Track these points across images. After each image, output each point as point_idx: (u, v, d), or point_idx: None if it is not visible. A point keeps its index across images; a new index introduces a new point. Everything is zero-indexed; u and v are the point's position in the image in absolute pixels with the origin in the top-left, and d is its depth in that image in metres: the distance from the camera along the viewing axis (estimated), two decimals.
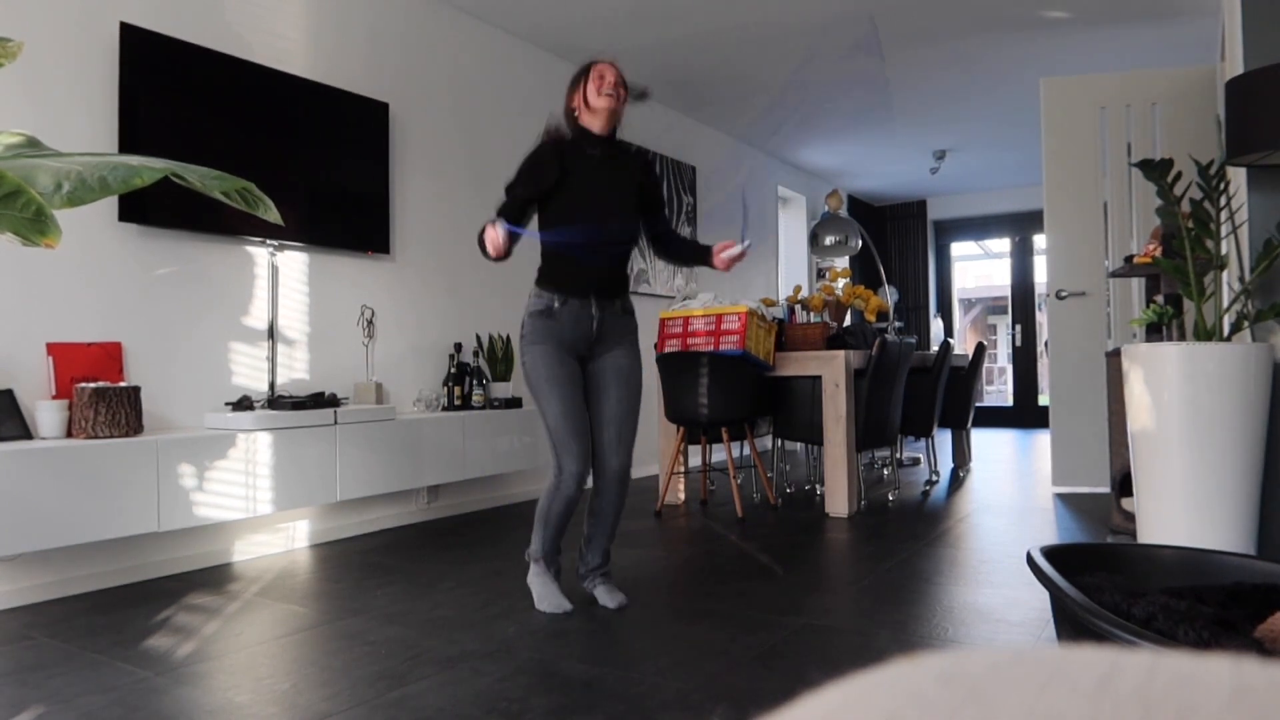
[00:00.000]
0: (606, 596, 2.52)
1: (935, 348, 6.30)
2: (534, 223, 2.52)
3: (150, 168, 0.86)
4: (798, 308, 4.83)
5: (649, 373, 5.56)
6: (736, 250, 2.53)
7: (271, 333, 3.41)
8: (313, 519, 3.53)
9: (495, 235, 2.29)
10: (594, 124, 2.49)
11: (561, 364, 2.46)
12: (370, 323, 3.82)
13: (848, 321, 4.79)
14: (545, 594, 2.49)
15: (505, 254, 2.34)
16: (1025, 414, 9.09)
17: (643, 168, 2.62)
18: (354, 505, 3.69)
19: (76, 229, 2.88)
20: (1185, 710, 0.19)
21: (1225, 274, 3.09)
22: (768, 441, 6.38)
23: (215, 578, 2.96)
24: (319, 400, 3.30)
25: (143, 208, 2.97)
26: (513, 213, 2.42)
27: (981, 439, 7.74)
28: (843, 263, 8.22)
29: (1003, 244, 9.51)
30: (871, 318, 4.73)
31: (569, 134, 2.52)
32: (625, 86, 2.50)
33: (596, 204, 2.46)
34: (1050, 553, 1.56)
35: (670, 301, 5.88)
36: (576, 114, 2.51)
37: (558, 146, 2.49)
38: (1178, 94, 4.35)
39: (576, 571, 2.64)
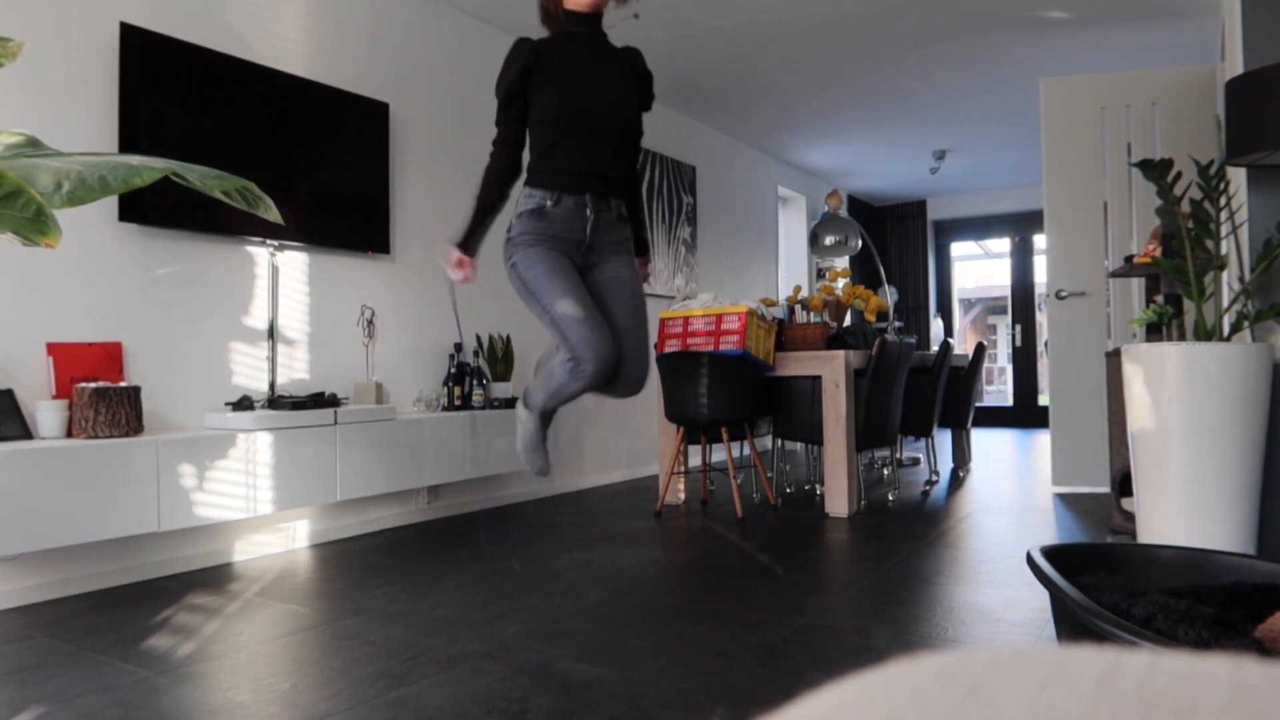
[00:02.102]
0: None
1: (935, 348, 6.30)
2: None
3: (150, 167, 0.86)
4: (798, 308, 4.83)
5: (650, 373, 5.57)
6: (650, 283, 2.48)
7: (271, 333, 3.41)
8: (313, 519, 3.53)
9: (454, 262, 2.24)
10: (577, 5, 2.33)
11: (560, 259, 2.28)
12: (370, 323, 3.82)
13: (848, 321, 4.79)
14: (534, 445, 2.37)
15: (471, 265, 2.30)
16: (1025, 414, 9.09)
17: (635, 63, 2.46)
18: (354, 505, 3.69)
19: (76, 229, 2.88)
20: (1185, 710, 0.19)
21: (1225, 274, 3.10)
22: (768, 441, 6.38)
23: (215, 578, 2.96)
24: (319, 400, 3.30)
25: (143, 208, 2.97)
26: (514, 136, 2.32)
27: (981, 439, 7.74)
28: (843, 263, 8.22)
29: (1003, 244, 9.51)
30: (871, 318, 4.73)
31: (548, 30, 2.38)
32: None
33: (586, 85, 2.31)
34: (1050, 553, 1.56)
35: (670, 301, 5.88)
36: (559, 3, 2.36)
37: (534, 43, 2.34)
38: (1178, 94, 4.35)
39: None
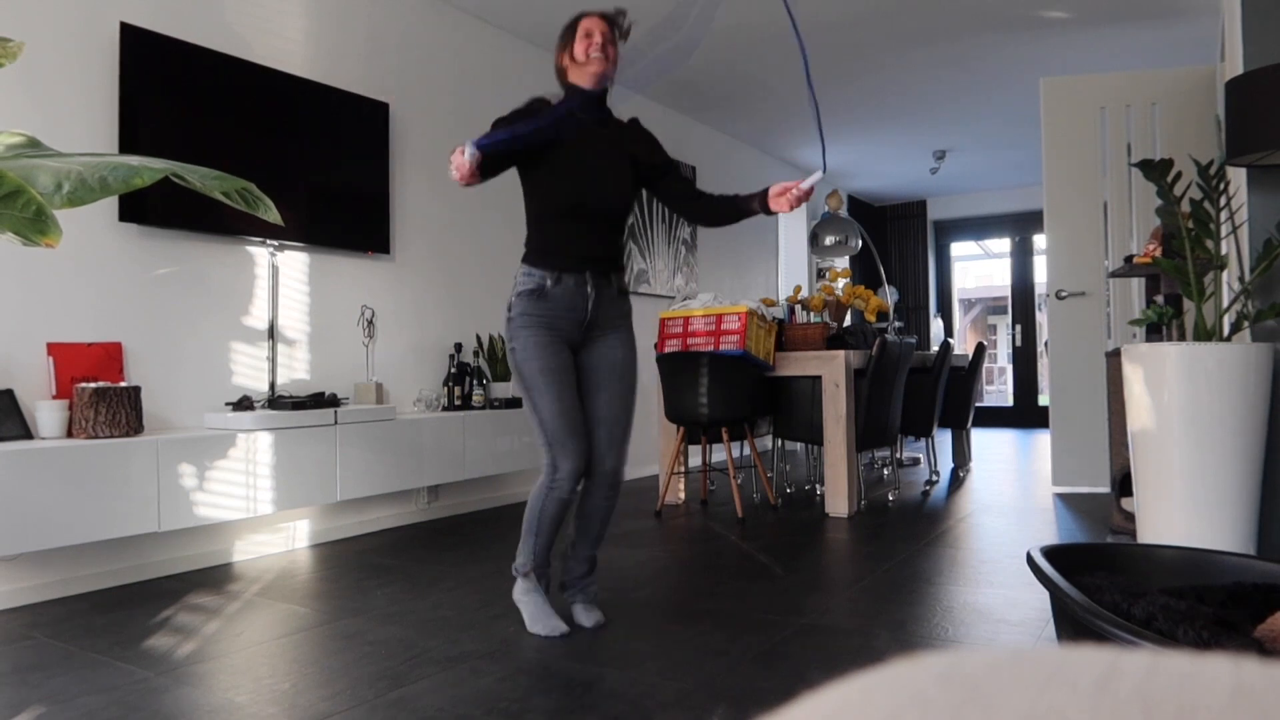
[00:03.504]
0: (584, 614, 2.35)
1: (935, 348, 6.30)
2: (503, 165, 2.27)
3: (150, 168, 0.86)
4: (798, 308, 4.83)
5: (649, 373, 5.57)
6: (807, 184, 2.24)
7: (271, 333, 3.41)
8: (313, 519, 3.53)
9: (461, 160, 2.03)
10: (582, 81, 2.32)
11: (556, 354, 2.28)
12: (370, 323, 3.82)
13: (848, 321, 4.80)
14: (538, 614, 2.29)
15: (476, 179, 2.12)
16: (1025, 414, 9.09)
17: (635, 136, 2.44)
18: (354, 505, 3.69)
19: (77, 229, 2.88)
20: (1185, 710, 0.19)
21: (1225, 274, 3.10)
22: (768, 441, 6.38)
23: (215, 578, 2.96)
24: (319, 400, 3.30)
25: (143, 208, 2.97)
26: (496, 146, 2.17)
27: (981, 439, 7.74)
28: (843, 263, 8.22)
29: (1003, 244, 9.51)
30: (871, 318, 4.73)
31: (562, 95, 2.36)
32: (615, 45, 2.32)
33: (587, 169, 2.30)
34: (1050, 553, 1.56)
35: (670, 301, 5.88)
36: (565, 72, 2.36)
37: (549, 105, 2.33)
38: (1178, 94, 4.35)
39: (558, 583, 2.45)
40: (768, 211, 2.35)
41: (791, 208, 2.28)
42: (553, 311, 2.28)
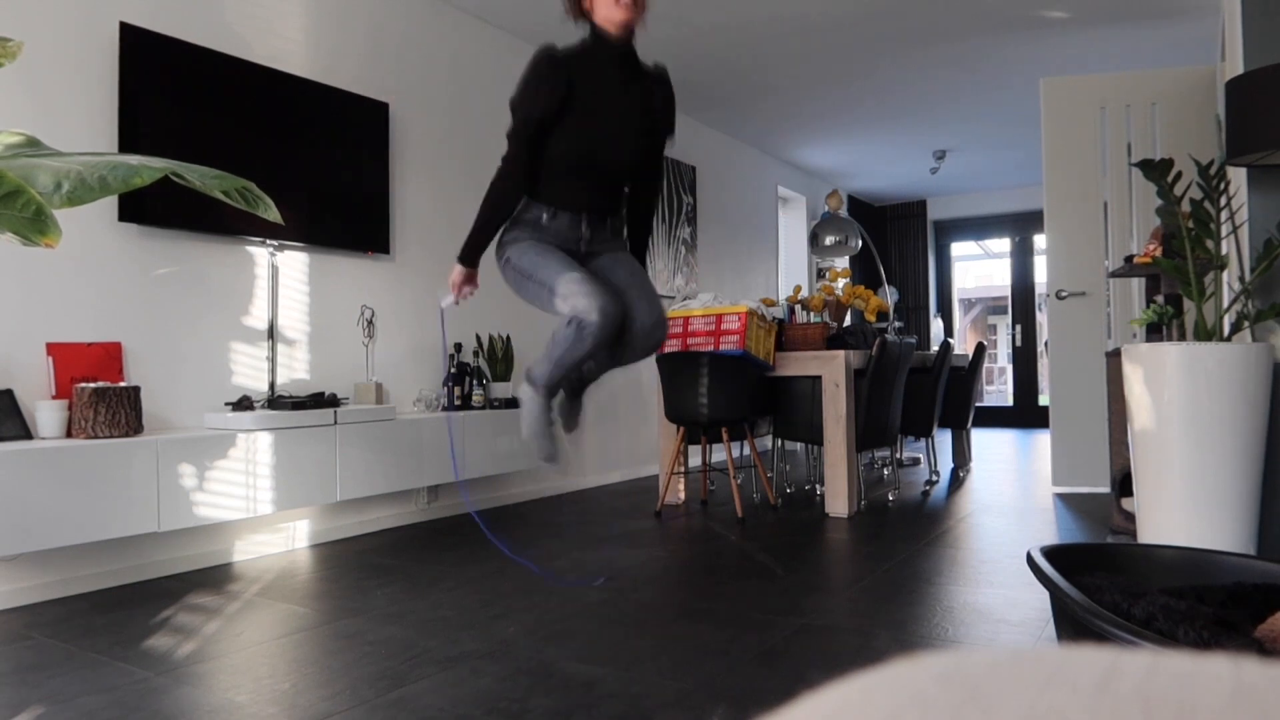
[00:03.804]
0: (573, 411, 2.38)
1: (935, 348, 6.30)
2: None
3: (150, 167, 0.86)
4: (798, 308, 4.83)
5: (649, 373, 5.57)
6: None
7: (271, 333, 3.41)
8: (313, 519, 3.53)
9: (455, 293, 2.24)
10: (610, 26, 2.21)
11: (552, 247, 2.27)
12: (370, 323, 3.82)
13: (848, 321, 4.80)
14: (540, 428, 2.26)
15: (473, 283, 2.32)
16: (1025, 414, 9.09)
17: (660, 95, 2.38)
18: (354, 505, 3.69)
19: (76, 229, 2.88)
20: (1185, 710, 0.19)
21: (1225, 274, 3.10)
22: (768, 441, 6.38)
23: (215, 578, 2.96)
24: (319, 400, 3.30)
25: (142, 208, 2.97)
26: (528, 159, 2.24)
27: (981, 439, 7.74)
28: (843, 263, 8.22)
29: (1003, 244, 9.51)
30: (871, 318, 4.73)
31: (577, 43, 2.27)
32: None
33: (606, 132, 2.26)
34: (1050, 553, 1.56)
35: (670, 301, 5.88)
36: (589, 10, 2.24)
37: (564, 62, 2.24)
38: (1178, 94, 4.35)
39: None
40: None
41: None
42: (546, 237, 2.31)
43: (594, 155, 2.28)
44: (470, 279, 2.48)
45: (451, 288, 2.49)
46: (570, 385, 2.45)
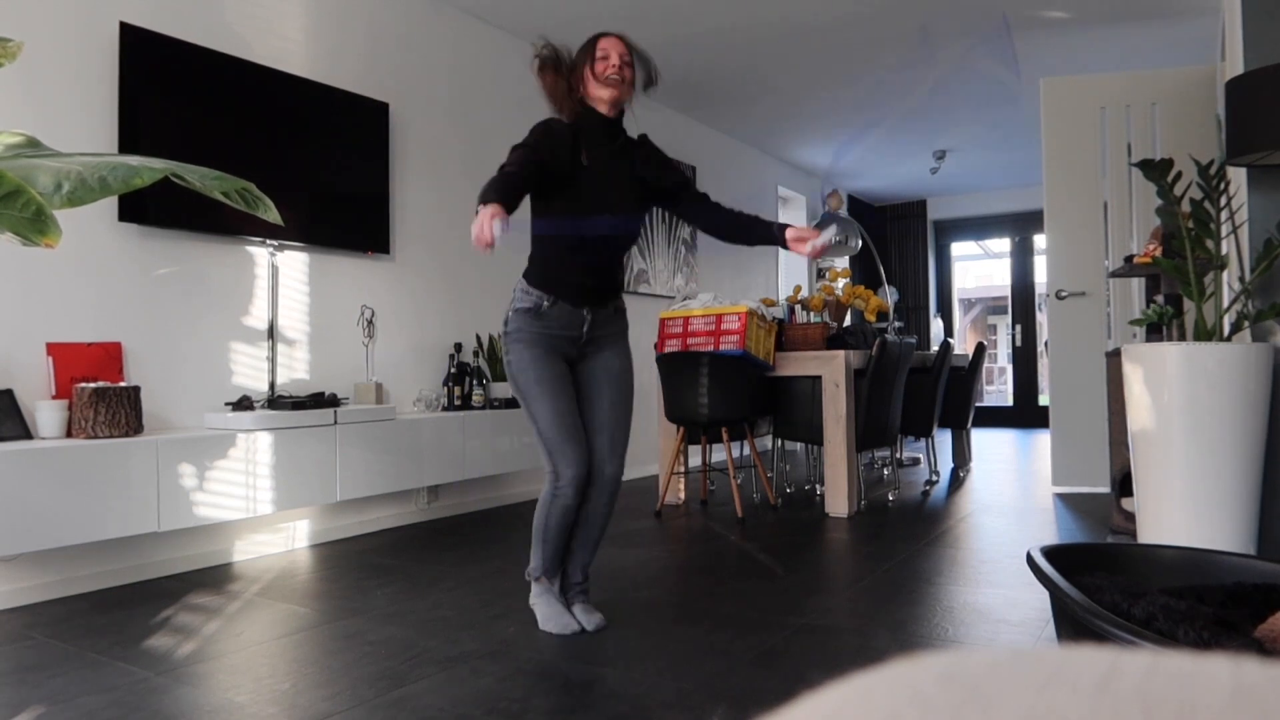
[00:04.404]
0: (584, 616, 2.34)
1: (935, 348, 6.30)
2: (527, 222, 2.31)
3: (150, 168, 0.86)
4: (798, 308, 4.83)
5: (650, 373, 5.57)
6: (823, 240, 2.27)
7: (271, 333, 3.41)
8: (313, 519, 3.53)
9: (485, 229, 1.93)
10: (600, 104, 2.28)
11: (551, 365, 2.29)
12: (370, 323, 3.82)
13: (848, 321, 4.79)
14: (551, 614, 2.32)
15: (491, 246, 2.04)
16: (1025, 414, 9.09)
17: (646, 158, 2.40)
18: (354, 505, 3.69)
19: (76, 229, 2.88)
20: (1185, 710, 0.19)
21: (1225, 274, 3.09)
22: (768, 441, 6.38)
23: (215, 578, 2.96)
24: (319, 400, 3.30)
25: (142, 208, 2.97)
26: (518, 179, 2.11)
27: (981, 439, 7.74)
28: (843, 263, 8.22)
29: (1003, 244, 9.51)
30: (871, 318, 4.73)
31: (578, 116, 2.30)
32: (633, 66, 2.28)
33: (600, 200, 2.28)
34: (1050, 553, 1.56)
35: (670, 301, 5.88)
36: (582, 92, 2.30)
37: (573, 127, 2.27)
38: (1178, 94, 4.35)
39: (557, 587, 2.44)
40: (785, 245, 2.36)
41: (810, 255, 2.31)
42: (549, 329, 2.29)
43: (588, 232, 2.26)
44: (498, 214, 2.02)
45: (484, 224, 1.98)
46: (571, 589, 2.43)
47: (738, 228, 2.44)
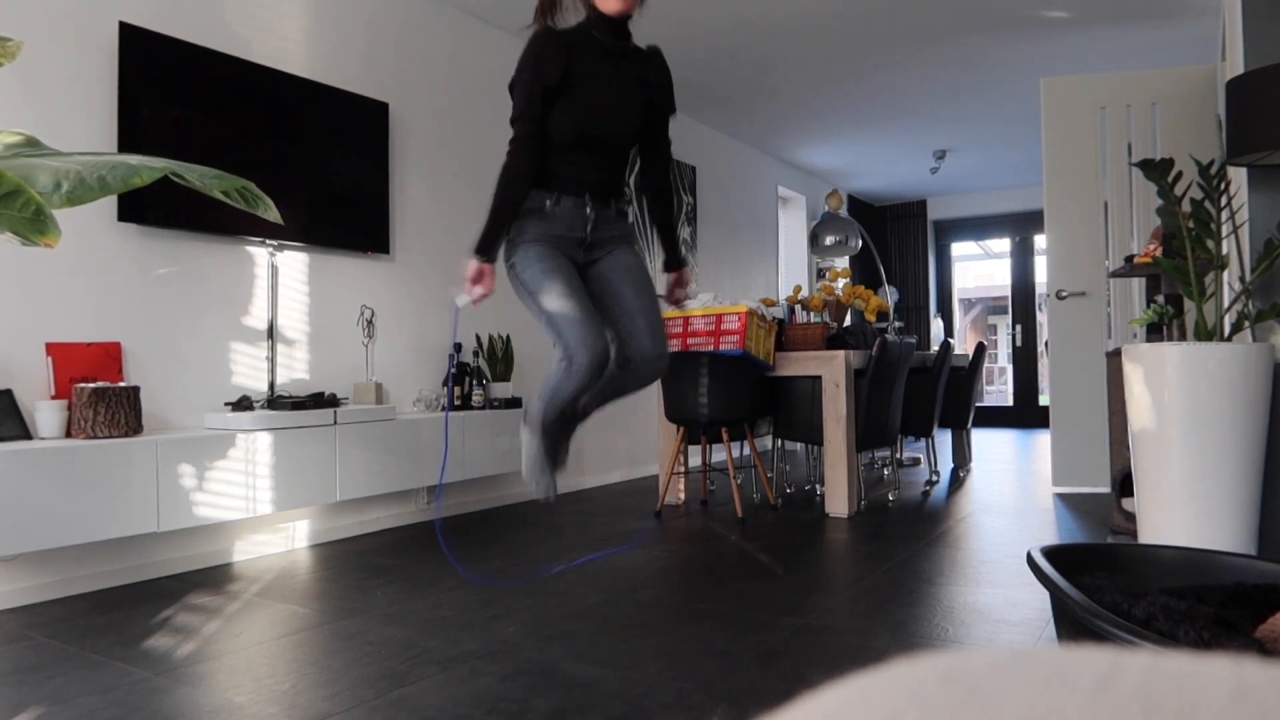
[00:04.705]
0: (553, 450, 2.34)
1: (935, 348, 6.30)
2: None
3: (150, 167, 0.86)
4: (798, 308, 4.83)
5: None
6: (685, 298, 2.54)
7: (271, 333, 3.41)
8: (313, 519, 3.53)
9: (471, 292, 2.21)
10: (605, 5, 2.25)
11: (556, 259, 2.26)
12: (370, 323, 3.82)
13: (848, 321, 4.79)
14: (538, 467, 2.29)
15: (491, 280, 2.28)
16: (1025, 414, 9.09)
17: (656, 70, 2.40)
18: (354, 505, 3.69)
19: (76, 229, 2.88)
20: (1185, 710, 0.19)
21: (1226, 274, 3.09)
22: (768, 441, 6.38)
23: (215, 578, 2.96)
24: (319, 400, 3.30)
25: (142, 207, 2.97)
26: (537, 135, 2.24)
27: (981, 439, 7.74)
28: (843, 263, 8.22)
29: (1003, 244, 9.51)
30: (871, 318, 4.73)
31: (572, 25, 2.29)
32: None
33: (601, 105, 2.28)
34: (1050, 553, 1.55)
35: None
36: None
37: (562, 38, 2.26)
38: (1178, 94, 4.35)
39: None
40: (666, 269, 2.56)
41: (666, 297, 2.49)
42: (552, 230, 2.29)
43: (591, 128, 2.27)
44: (486, 277, 2.32)
45: (467, 284, 2.35)
46: (564, 421, 2.39)
47: (660, 225, 2.58)
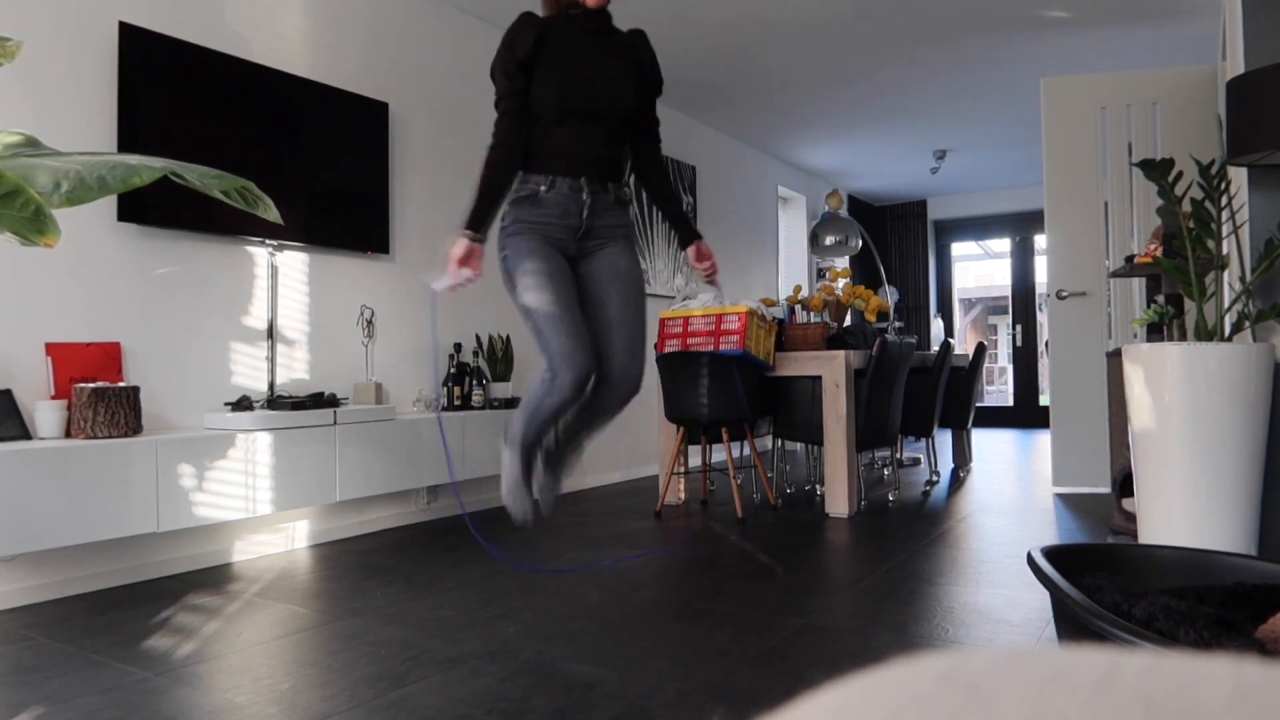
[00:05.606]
0: (551, 485, 2.27)
1: (935, 348, 6.30)
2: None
3: (149, 167, 0.85)
4: (798, 308, 4.83)
5: (649, 373, 5.57)
6: (708, 279, 2.44)
7: (271, 333, 3.41)
8: (313, 519, 3.53)
9: (454, 273, 2.10)
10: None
11: (548, 257, 2.17)
12: (370, 323, 3.82)
13: (848, 321, 4.79)
14: (516, 488, 2.23)
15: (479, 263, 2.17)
16: (1025, 414, 9.09)
17: (641, 45, 2.36)
18: (354, 505, 3.69)
19: (75, 229, 2.88)
20: (1185, 711, 0.19)
21: (1226, 274, 3.09)
22: (768, 441, 6.38)
23: (215, 578, 2.96)
24: (318, 400, 3.30)
25: (141, 207, 2.97)
26: (519, 111, 2.21)
27: (982, 439, 7.74)
28: (843, 263, 8.22)
29: (1003, 244, 9.51)
30: (872, 318, 4.73)
31: (551, 11, 2.29)
32: None
33: (587, 71, 2.23)
34: (1051, 553, 1.55)
35: (670, 301, 5.88)
36: None
37: (537, 19, 2.25)
38: (1178, 94, 4.35)
39: (545, 454, 2.34)
40: (683, 245, 2.44)
41: (702, 271, 2.44)
42: (546, 218, 2.21)
43: (578, 100, 2.22)
44: (473, 258, 2.21)
45: (450, 266, 2.22)
46: (547, 453, 2.33)
47: (661, 199, 2.48)
